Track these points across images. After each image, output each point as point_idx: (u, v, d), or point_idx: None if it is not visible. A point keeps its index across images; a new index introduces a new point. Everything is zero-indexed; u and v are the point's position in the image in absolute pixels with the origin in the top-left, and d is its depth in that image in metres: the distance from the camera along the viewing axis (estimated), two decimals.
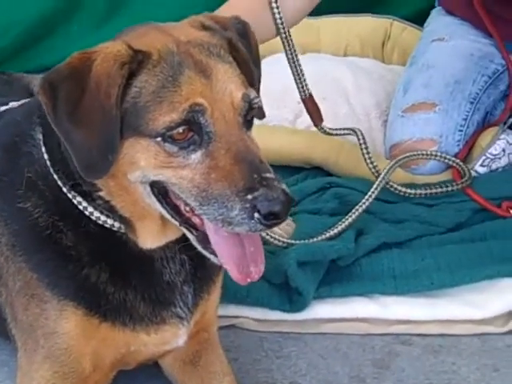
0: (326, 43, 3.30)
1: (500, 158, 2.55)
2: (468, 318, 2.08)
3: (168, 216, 1.57)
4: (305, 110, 2.68)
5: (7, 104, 2.03)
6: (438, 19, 2.94)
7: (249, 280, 1.56)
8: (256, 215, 1.43)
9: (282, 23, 2.16)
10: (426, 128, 2.57)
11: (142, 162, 1.49)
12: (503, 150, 2.56)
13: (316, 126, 2.39)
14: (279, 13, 2.15)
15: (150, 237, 1.63)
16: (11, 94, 2.29)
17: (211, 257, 1.56)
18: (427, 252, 2.20)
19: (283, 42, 2.22)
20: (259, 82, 1.70)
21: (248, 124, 1.54)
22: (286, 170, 2.60)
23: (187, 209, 1.53)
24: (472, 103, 2.63)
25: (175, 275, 1.68)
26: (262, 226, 1.45)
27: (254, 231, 1.47)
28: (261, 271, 1.57)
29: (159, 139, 1.46)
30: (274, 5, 2.15)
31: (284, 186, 1.45)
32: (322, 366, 1.99)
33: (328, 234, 2.22)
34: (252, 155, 1.48)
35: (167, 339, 1.72)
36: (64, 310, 1.64)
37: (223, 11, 2.10)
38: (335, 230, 2.24)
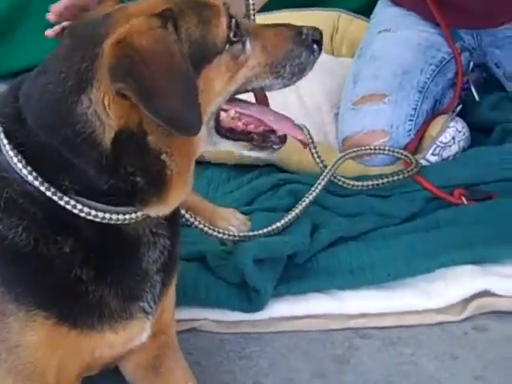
0: None
1: (450, 146, 2.57)
2: (425, 307, 2.09)
3: (230, 143, 1.71)
4: None
5: None
6: (384, 10, 2.95)
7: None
8: (315, 46, 1.72)
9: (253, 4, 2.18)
10: (377, 119, 2.58)
11: (217, 85, 1.59)
12: (453, 138, 2.57)
13: None
14: None
15: (182, 192, 1.62)
16: None
17: (272, 148, 1.77)
18: (382, 243, 2.22)
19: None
20: None
21: None
22: (239, 168, 2.62)
23: (243, 121, 1.71)
24: (420, 92, 2.65)
25: (152, 264, 1.67)
26: (319, 52, 1.74)
27: (315, 61, 1.74)
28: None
29: (227, 46, 1.60)
30: None
31: None
32: (283, 364, 2.00)
33: (274, 226, 2.22)
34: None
35: (134, 335, 1.71)
36: (32, 321, 1.61)
37: None
38: (280, 223, 2.23)
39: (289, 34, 1.71)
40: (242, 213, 2.37)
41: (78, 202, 1.58)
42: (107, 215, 1.59)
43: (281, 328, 2.10)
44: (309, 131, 2.37)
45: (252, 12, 2.19)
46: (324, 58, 3.14)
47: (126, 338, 1.70)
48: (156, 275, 1.69)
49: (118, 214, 1.59)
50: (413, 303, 2.10)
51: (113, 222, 1.59)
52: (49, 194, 1.59)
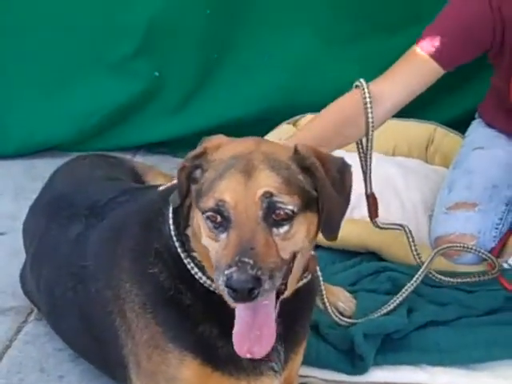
0: (377, 143, 3.69)
1: None
2: None
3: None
4: (360, 204, 3.11)
5: (118, 179, 2.57)
6: (479, 130, 3.35)
7: (248, 356, 1.88)
8: (226, 290, 1.76)
9: (372, 124, 2.64)
10: (467, 224, 2.97)
11: (201, 229, 1.91)
12: None
13: (371, 219, 2.82)
14: (372, 117, 2.63)
15: None
16: (122, 174, 2.75)
17: None
18: (467, 330, 2.59)
19: (367, 142, 2.69)
20: (341, 211, 2.04)
21: (274, 221, 1.84)
22: (345, 253, 3.04)
23: None
24: (507, 205, 3.04)
25: None
26: (232, 298, 1.77)
27: (232, 300, 1.79)
28: (266, 351, 1.88)
29: (204, 216, 1.87)
30: (369, 111, 2.63)
31: (254, 273, 1.75)
32: None
33: (385, 310, 2.62)
34: (248, 243, 1.78)
35: None
36: (184, 359, 2.00)
37: (325, 114, 2.64)
38: (388, 308, 2.64)
39: (226, 259, 1.78)
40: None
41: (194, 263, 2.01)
42: (204, 279, 1.99)
43: None
44: (411, 232, 2.78)
45: (371, 128, 2.67)
46: (421, 165, 3.59)
47: None
48: (278, 345, 2.05)
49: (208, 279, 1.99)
50: (489, 383, 2.47)
51: (212, 288, 1.98)
52: (179, 250, 2.03)
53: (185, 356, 2.01)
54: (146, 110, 4.19)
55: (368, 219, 3.09)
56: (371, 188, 2.77)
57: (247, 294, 1.75)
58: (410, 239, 2.80)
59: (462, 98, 3.98)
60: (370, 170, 2.75)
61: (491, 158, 3.17)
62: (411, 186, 3.36)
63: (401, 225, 2.88)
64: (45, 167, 3.55)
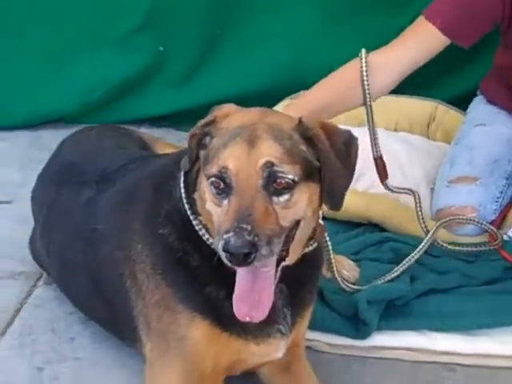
0: (379, 119, 3.74)
1: None
2: (500, 353, 2.54)
3: None
4: (362, 177, 3.17)
5: (126, 148, 2.63)
6: (480, 107, 3.41)
7: (247, 319, 1.94)
8: (222, 253, 1.82)
9: (369, 94, 2.74)
10: (469, 197, 3.03)
11: (206, 194, 1.97)
12: None
13: (382, 182, 2.89)
14: (368, 89, 2.73)
15: None
16: (130, 144, 2.80)
17: None
18: (468, 298, 2.67)
19: (367, 110, 2.78)
20: (345, 183, 2.06)
21: (275, 190, 1.89)
22: (348, 224, 3.11)
23: None
24: (507, 179, 3.11)
25: (277, 300, 2.08)
26: (230, 261, 1.83)
27: (230, 264, 1.84)
28: (263, 315, 1.94)
29: (209, 181, 1.93)
30: (365, 83, 2.72)
31: (251, 238, 1.80)
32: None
33: (389, 277, 2.70)
34: (247, 209, 1.84)
35: (270, 351, 2.13)
36: (194, 320, 2.06)
37: (323, 84, 2.73)
38: (392, 275, 2.71)
39: (226, 225, 1.83)
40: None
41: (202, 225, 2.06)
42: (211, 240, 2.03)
43: (380, 355, 2.56)
44: (419, 197, 2.85)
45: (368, 97, 2.74)
46: (424, 141, 3.65)
47: (264, 352, 2.13)
48: (285, 308, 2.13)
49: None
50: (491, 348, 2.55)
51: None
52: (189, 212, 2.08)
53: (194, 316, 2.06)
54: (149, 85, 4.22)
55: (371, 191, 3.18)
56: (379, 151, 2.83)
57: (243, 258, 1.80)
58: (418, 205, 2.86)
59: (463, 76, 4.02)
60: (375, 133, 2.82)
61: (493, 135, 3.22)
62: (414, 162, 3.42)
63: (410, 189, 2.95)
64: (51, 138, 3.61)
